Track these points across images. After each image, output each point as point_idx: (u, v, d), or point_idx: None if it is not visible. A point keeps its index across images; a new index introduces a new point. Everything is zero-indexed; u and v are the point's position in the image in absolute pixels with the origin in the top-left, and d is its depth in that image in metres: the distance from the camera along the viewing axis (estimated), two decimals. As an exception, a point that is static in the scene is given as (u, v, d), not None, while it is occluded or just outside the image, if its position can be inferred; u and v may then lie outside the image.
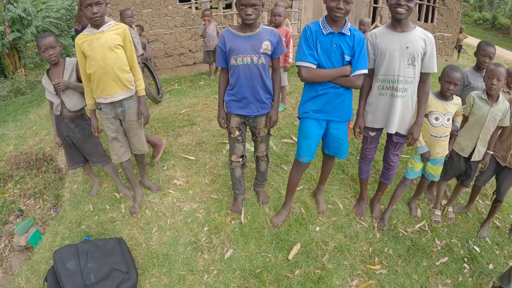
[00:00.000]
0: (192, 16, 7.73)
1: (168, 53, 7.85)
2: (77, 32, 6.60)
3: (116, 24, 3.03)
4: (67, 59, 3.26)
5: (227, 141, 4.31)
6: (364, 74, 2.81)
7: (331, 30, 2.68)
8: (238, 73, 2.87)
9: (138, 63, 5.27)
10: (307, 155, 3.07)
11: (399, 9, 2.67)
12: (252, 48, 2.81)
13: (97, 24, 2.93)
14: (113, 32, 2.97)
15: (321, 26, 2.71)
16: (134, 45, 5.25)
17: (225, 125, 3.13)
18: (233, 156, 3.27)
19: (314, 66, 2.74)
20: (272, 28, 2.97)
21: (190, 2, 7.72)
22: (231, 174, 3.42)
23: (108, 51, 2.93)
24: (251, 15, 2.70)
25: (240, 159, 3.30)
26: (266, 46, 2.83)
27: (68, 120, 3.35)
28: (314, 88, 2.85)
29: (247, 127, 3.22)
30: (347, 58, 2.74)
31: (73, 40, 12.11)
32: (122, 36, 3.01)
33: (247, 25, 2.81)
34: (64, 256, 2.96)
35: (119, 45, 2.99)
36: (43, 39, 3.07)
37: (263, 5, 2.80)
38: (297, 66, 2.80)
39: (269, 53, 2.88)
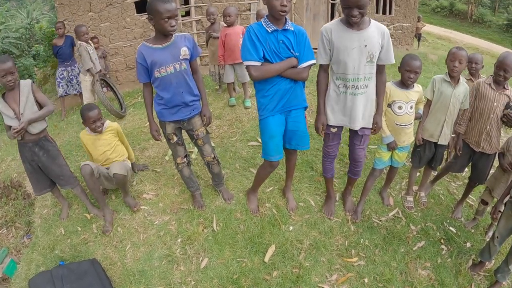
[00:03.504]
0: (151, 27, 7.63)
1: (129, 66, 7.74)
2: (56, 48, 6.38)
3: (110, 125, 3.59)
4: (21, 81, 3.18)
5: (192, 150, 4.30)
6: (311, 65, 2.90)
7: (275, 28, 2.74)
8: (164, 83, 2.96)
9: (97, 80, 5.22)
10: (277, 153, 3.08)
11: (353, 18, 2.62)
12: (173, 57, 2.90)
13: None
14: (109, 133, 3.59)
15: (264, 25, 2.76)
16: (92, 61, 5.20)
17: (159, 138, 3.23)
18: (178, 158, 3.38)
19: (260, 64, 2.79)
20: (184, 33, 3.04)
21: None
22: (181, 175, 3.52)
23: (107, 148, 3.56)
24: (175, 26, 2.77)
25: (185, 159, 3.41)
26: (185, 52, 2.93)
27: (31, 144, 3.27)
28: (264, 88, 2.92)
29: (182, 131, 3.34)
30: (295, 53, 2.82)
31: (34, 59, 11.84)
32: (116, 132, 3.66)
33: (165, 36, 2.86)
34: (39, 283, 2.94)
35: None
36: (2, 64, 2.99)
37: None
38: (246, 66, 2.86)
39: (188, 58, 2.98)
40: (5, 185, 4.44)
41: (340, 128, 3.14)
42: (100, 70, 5.53)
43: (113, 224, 3.51)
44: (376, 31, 2.76)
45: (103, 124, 3.53)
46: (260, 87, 2.94)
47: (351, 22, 2.69)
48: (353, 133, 3.15)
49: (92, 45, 5.53)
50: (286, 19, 2.79)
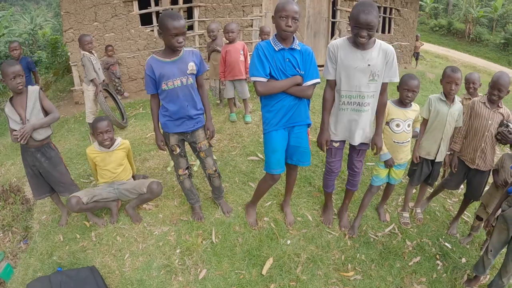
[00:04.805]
0: (154, 39, 7.75)
1: (131, 77, 7.82)
2: None
3: (122, 143, 3.62)
4: (29, 87, 3.24)
5: (193, 162, 4.34)
6: (315, 84, 2.98)
7: (282, 46, 2.84)
8: (171, 96, 3.06)
9: (100, 90, 5.26)
10: (279, 166, 3.15)
11: (361, 39, 2.72)
12: (180, 71, 3.00)
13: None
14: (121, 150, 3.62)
15: (272, 43, 2.87)
16: (96, 71, 5.25)
17: (165, 148, 3.31)
18: (179, 170, 3.44)
19: (266, 80, 2.89)
20: (193, 49, 3.15)
21: (152, 25, 7.74)
22: (182, 187, 3.58)
23: (118, 166, 3.61)
24: (182, 42, 2.88)
25: (186, 171, 3.48)
26: (192, 67, 3.04)
27: (34, 150, 3.30)
28: (269, 103, 3.00)
29: (185, 143, 3.40)
30: (301, 72, 2.92)
31: (36, 65, 11.85)
32: (128, 151, 3.71)
33: (173, 51, 2.97)
34: (37, 288, 2.92)
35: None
36: (11, 66, 3.05)
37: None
38: (252, 81, 2.94)
39: (195, 73, 3.08)
40: (3, 189, 4.45)
41: (342, 143, 3.22)
42: (104, 80, 5.57)
43: (118, 214, 3.67)
44: (381, 51, 2.85)
45: (111, 138, 3.51)
46: (266, 102, 3.03)
47: (358, 43, 2.77)
48: (352, 146, 3.24)
49: (95, 54, 5.58)
50: (294, 38, 2.89)
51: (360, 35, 2.70)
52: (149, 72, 3.00)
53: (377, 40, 2.90)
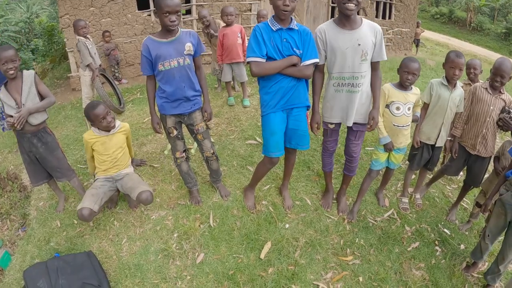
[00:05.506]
0: (151, 24, 7.66)
1: (129, 62, 7.75)
2: None
3: (122, 126, 3.48)
4: (24, 72, 3.20)
5: (190, 146, 4.32)
6: (314, 64, 2.94)
7: (279, 27, 2.81)
8: (167, 77, 3.01)
9: (97, 75, 5.21)
10: (277, 149, 3.11)
11: (349, 4, 2.71)
12: (177, 52, 2.96)
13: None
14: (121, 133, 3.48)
15: (270, 24, 2.83)
16: (91, 56, 5.18)
17: (161, 130, 3.27)
18: (176, 153, 3.41)
19: (263, 60, 2.84)
20: (190, 30, 3.11)
21: (149, 10, 7.64)
22: (179, 170, 3.55)
23: (119, 151, 3.45)
24: (175, 21, 2.83)
25: (184, 154, 3.44)
26: (189, 47, 3.00)
27: (30, 135, 3.27)
28: (267, 85, 2.97)
29: (183, 125, 3.37)
30: (298, 51, 2.87)
31: (33, 53, 11.73)
32: (127, 134, 3.56)
33: (169, 31, 2.93)
34: (34, 274, 2.91)
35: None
36: (3, 52, 3.01)
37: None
38: (247, 62, 2.91)
39: (192, 54, 3.04)
40: (1, 177, 4.42)
41: (338, 124, 3.22)
42: (100, 65, 5.51)
43: (117, 202, 3.64)
44: (368, 30, 2.87)
45: (114, 119, 3.37)
46: (264, 84, 2.99)
47: (346, 12, 2.77)
48: (349, 128, 3.23)
49: (91, 39, 5.50)
50: (291, 18, 2.86)
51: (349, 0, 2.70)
52: (145, 53, 2.95)
53: (363, 19, 2.91)
